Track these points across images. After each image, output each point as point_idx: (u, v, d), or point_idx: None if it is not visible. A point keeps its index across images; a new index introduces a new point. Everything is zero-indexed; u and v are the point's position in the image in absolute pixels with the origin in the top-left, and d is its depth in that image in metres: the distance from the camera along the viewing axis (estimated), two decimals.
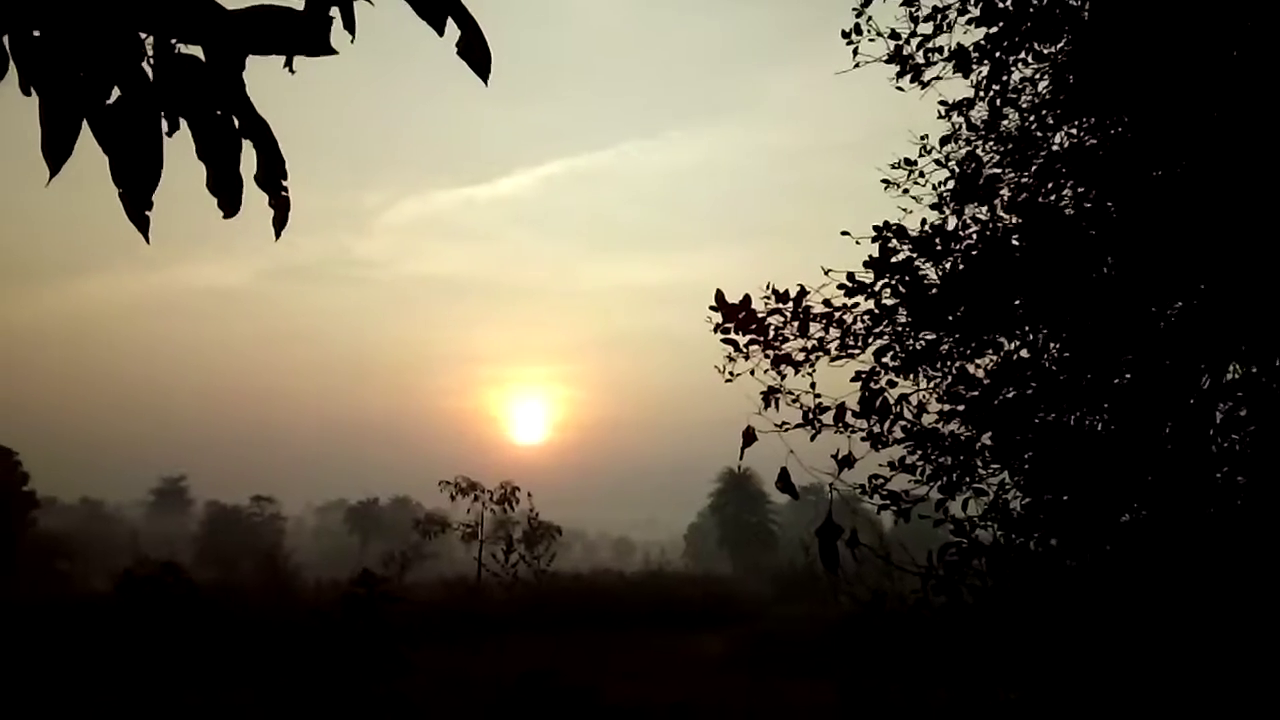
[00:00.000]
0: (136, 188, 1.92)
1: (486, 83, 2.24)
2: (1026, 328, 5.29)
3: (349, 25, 2.11)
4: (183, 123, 2.02)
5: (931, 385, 5.45)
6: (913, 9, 5.70)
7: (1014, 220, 5.49)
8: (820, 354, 5.59)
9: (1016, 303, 5.20)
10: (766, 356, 5.60)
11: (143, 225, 1.95)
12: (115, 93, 1.90)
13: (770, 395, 5.57)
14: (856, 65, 5.88)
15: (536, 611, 21.97)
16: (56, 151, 1.90)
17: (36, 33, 1.88)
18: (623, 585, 31.36)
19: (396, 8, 2.04)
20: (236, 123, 2.08)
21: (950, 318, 5.22)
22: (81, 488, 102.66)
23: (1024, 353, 5.34)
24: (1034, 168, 5.67)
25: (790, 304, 5.52)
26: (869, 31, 5.85)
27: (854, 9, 5.76)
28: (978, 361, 5.38)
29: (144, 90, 1.89)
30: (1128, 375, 5.19)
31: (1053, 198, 5.59)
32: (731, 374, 5.67)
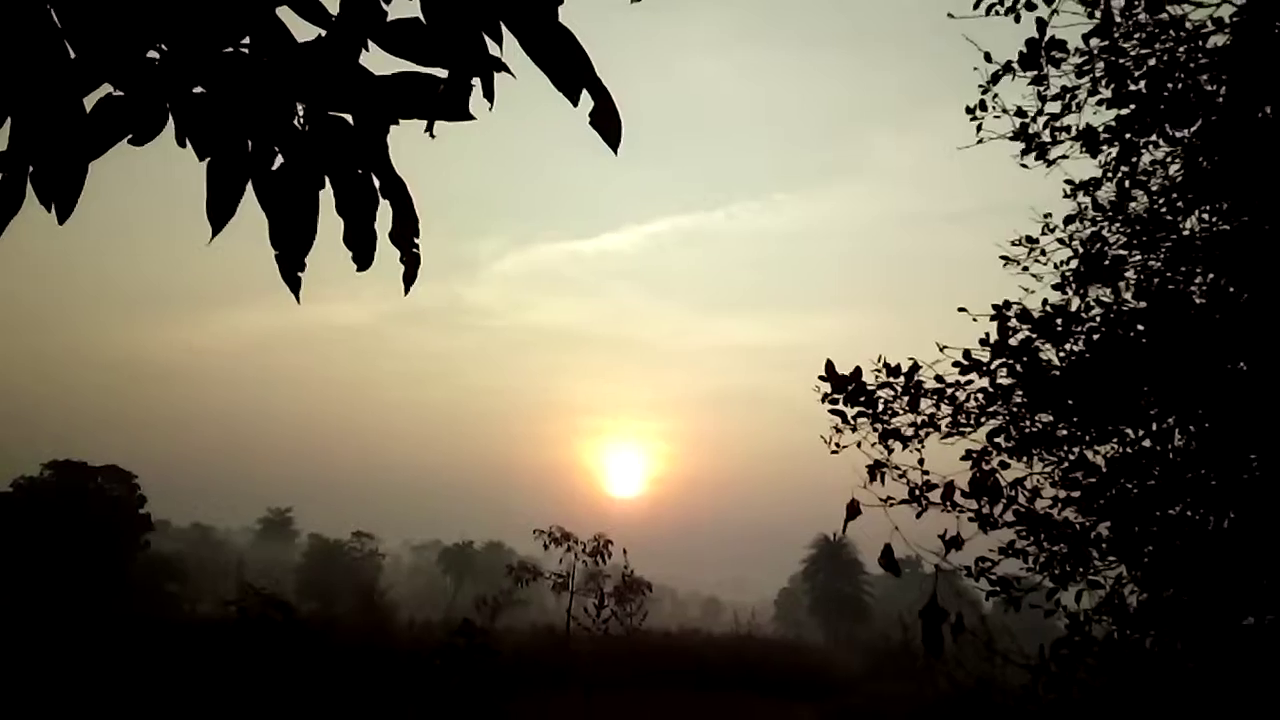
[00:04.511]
0: (292, 250, 2.02)
1: (616, 153, 2.28)
2: (1152, 417, 5.10)
3: (488, 94, 2.18)
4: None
5: (1046, 469, 5.29)
6: (1041, 88, 5.64)
7: (1140, 305, 5.33)
8: (930, 430, 5.49)
9: (1143, 390, 5.03)
10: (875, 430, 5.52)
11: (295, 286, 2.05)
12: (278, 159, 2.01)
13: (876, 469, 5.48)
14: (980, 141, 5.83)
15: (625, 667, 21.79)
16: (219, 213, 2.02)
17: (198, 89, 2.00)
18: (712, 647, 30.85)
19: (529, 76, 2.10)
20: (376, 182, 2.18)
21: (1070, 402, 5.08)
22: (194, 512, 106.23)
23: (1147, 442, 5.15)
24: (1163, 251, 5.52)
25: (901, 378, 5.45)
26: (994, 108, 5.80)
27: (980, 86, 5.73)
28: (1098, 448, 5.20)
29: (306, 158, 1.99)
30: (1257, 472, 4.95)
31: (1182, 283, 5.42)
32: (838, 445, 5.60)
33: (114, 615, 26.84)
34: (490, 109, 2.24)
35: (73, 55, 1.84)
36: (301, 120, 2.09)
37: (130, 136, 1.97)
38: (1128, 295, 5.44)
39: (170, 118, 2.01)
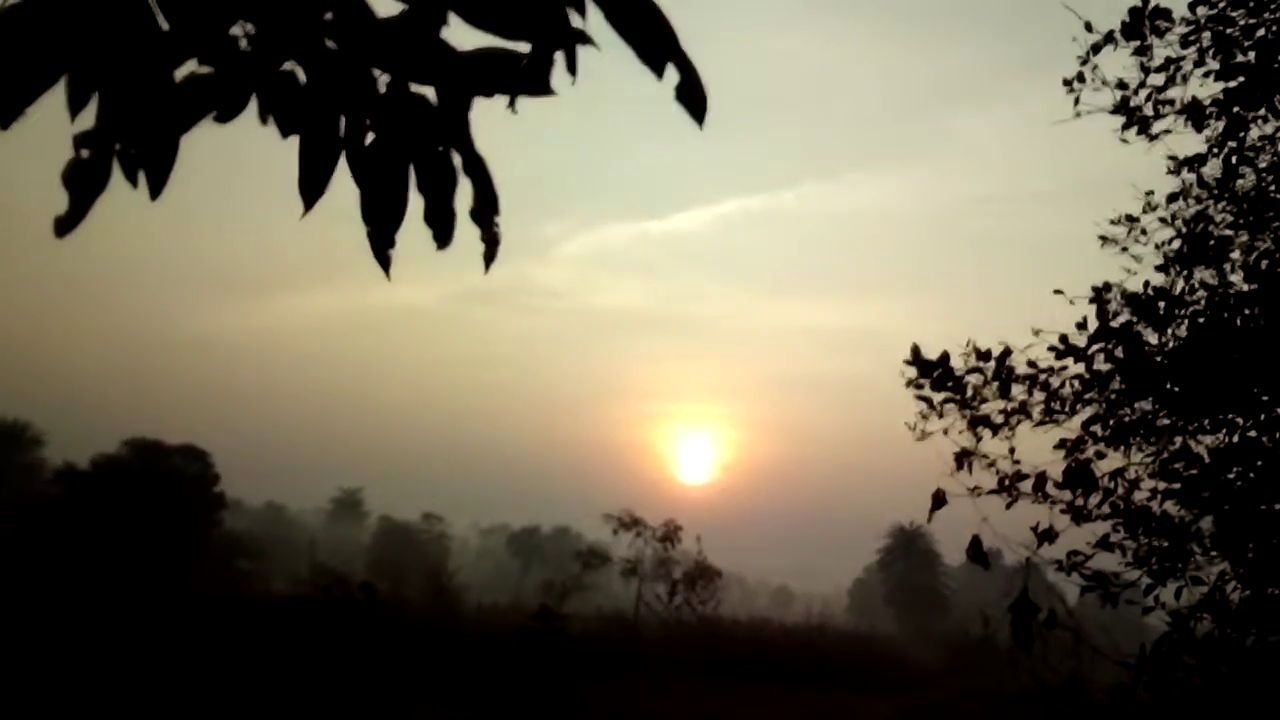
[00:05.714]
0: (383, 227, 1.99)
1: (701, 126, 2.21)
2: (1260, 405, 4.85)
3: (571, 68, 2.12)
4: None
5: (1145, 460, 5.07)
6: (1144, 59, 5.38)
7: (1248, 287, 5.07)
8: (1021, 418, 5.31)
9: (1250, 377, 4.78)
10: (963, 416, 5.36)
11: (385, 263, 2.03)
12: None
13: (964, 457, 5.31)
14: (1078, 115, 5.59)
15: (694, 654, 21.74)
16: (312, 188, 1.98)
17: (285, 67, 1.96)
18: (784, 637, 30.62)
19: (599, 55, 2.05)
20: (457, 160, 2.13)
21: (1172, 389, 4.85)
22: (267, 492, 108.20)
23: (1254, 432, 4.90)
24: (1272, 231, 5.24)
25: (992, 363, 5.28)
26: (1093, 80, 5.55)
27: (1078, 57, 5.49)
28: (1201, 438, 4.97)
29: (399, 134, 1.95)
30: None
31: None
32: (923, 432, 5.45)
33: (189, 590, 27.45)
34: (573, 83, 2.17)
35: (164, 28, 1.81)
36: (384, 96, 2.05)
37: (215, 114, 1.95)
38: (1234, 277, 5.19)
39: (254, 95, 1.99)
